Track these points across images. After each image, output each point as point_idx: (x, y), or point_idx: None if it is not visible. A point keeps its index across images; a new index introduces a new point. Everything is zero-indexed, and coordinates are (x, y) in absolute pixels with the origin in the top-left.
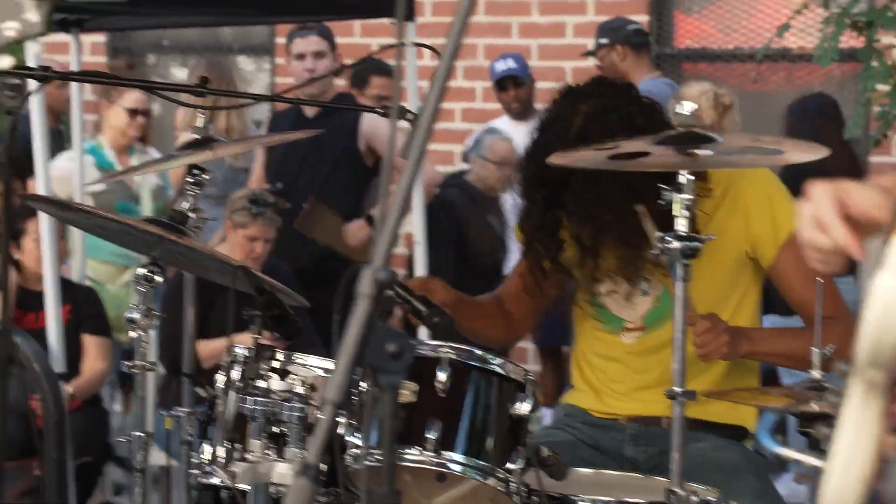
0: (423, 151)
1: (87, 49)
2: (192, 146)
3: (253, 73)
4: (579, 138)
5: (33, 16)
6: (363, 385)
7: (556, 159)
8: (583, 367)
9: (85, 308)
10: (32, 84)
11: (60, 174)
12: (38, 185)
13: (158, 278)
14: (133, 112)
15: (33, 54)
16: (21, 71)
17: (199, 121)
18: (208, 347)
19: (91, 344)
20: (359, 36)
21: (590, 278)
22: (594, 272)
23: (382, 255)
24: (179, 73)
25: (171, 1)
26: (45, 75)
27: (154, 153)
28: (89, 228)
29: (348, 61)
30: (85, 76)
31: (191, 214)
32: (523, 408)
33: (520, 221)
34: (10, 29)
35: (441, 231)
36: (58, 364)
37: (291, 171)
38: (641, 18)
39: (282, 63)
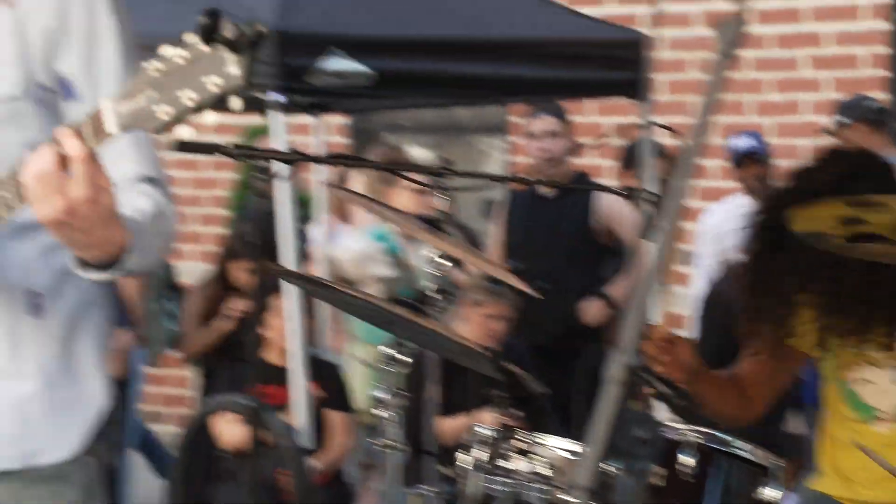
0: (672, 232)
1: (325, 130)
2: (431, 225)
3: (487, 153)
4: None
5: (235, 69)
6: (609, 468)
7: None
8: (831, 452)
9: (329, 384)
10: (282, 167)
11: (352, 256)
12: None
13: (403, 357)
14: (420, 191)
15: (280, 137)
16: (270, 153)
17: (441, 203)
18: (449, 425)
19: (336, 420)
20: (594, 115)
21: (836, 365)
22: (843, 359)
23: (631, 339)
24: (416, 153)
25: (413, 83)
26: (294, 157)
27: None
28: (336, 304)
29: (584, 140)
30: (331, 159)
31: (435, 296)
32: (770, 493)
33: (748, 286)
34: (213, 84)
35: (710, 321)
36: (305, 440)
37: (528, 250)
38: (879, 95)
39: (516, 141)
